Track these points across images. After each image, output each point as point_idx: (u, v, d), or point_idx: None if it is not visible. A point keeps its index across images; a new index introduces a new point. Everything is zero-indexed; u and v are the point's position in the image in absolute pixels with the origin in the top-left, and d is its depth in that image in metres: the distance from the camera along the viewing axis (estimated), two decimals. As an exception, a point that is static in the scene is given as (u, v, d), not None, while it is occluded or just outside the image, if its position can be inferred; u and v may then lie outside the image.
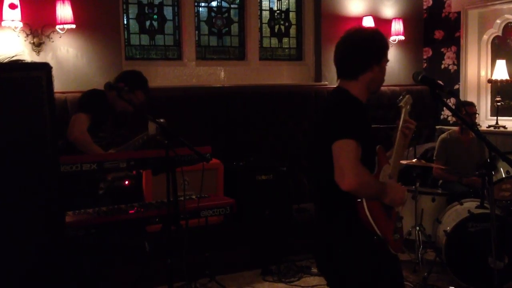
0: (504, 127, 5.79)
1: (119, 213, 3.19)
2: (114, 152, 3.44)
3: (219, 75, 5.75)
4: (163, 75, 5.44)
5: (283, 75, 6.09)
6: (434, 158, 4.98)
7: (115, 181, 3.42)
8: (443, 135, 5.03)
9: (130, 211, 3.22)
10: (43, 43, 4.67)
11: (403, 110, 2.36)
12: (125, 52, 5.29)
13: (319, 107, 2.35)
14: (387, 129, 2.44)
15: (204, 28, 5.74)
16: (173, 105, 5.07)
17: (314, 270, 4.24)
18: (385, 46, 2.26)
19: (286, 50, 6.21)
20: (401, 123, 2.34)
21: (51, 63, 2.16)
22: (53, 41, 4.70)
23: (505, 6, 5.83)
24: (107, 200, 3.34)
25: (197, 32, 5.67)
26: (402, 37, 6.18)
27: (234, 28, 5.89)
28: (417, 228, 4.29)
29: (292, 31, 6.21)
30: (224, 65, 5.79)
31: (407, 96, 2.38)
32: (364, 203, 2.09)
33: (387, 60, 2.28)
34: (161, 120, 3.14)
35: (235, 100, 5.49)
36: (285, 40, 6.19)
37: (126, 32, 5.33)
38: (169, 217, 3.13)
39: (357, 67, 2.21)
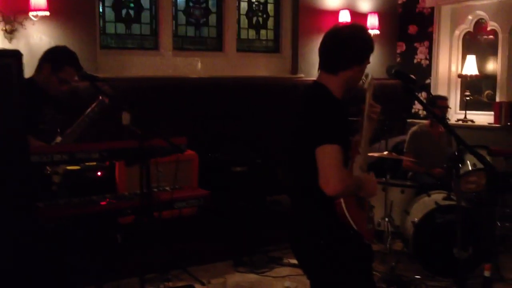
0: (472, 121, 5.93)
1: (90, 205, 3.17)
2: (61, 139, 3.25)
3: (196, 66, 5.74)
4: (139, 65, 5.42)
5: (260, 67, 6.11)
6: (404, 150, 5.07)
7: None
8: (414, 128, 5.13)
9: (102, 203, 3.20)
10: (16, 30, 4.60)
11: (368, 93, 2.32)
12: (100, 41, 5.25)
13: (296, 102, 2.34)
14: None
15: (182, 18, 5.73)
16: (149, 95, 5.06)
17: (286, 260, 4.31)
18: (371, 49, 2.27)
19: (264, 42, 6.23)
20: (366, 107, 2.31)
21: (24, 51, 2.15)
22: (26, 28, 4.64)
23: (477, 3, 5.95)
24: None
25: (174, 22, 5.65)
26: (377, 31, 6.26)
27: (212, 18, 5.89)
28: (386, 219, 4.38)
29: (270, 23, 6.24)
30: (201, 56, 5.79)
31: (369, 77, 2.32)
32: (343, 202, 2.13)
33: (369, 62, 2.29)
34: (105, 87, 3.07)
35: (212, 91, 5.50)
36: (263, 32, 6.22)
37: (101, 21, 5.28)
38: (142, 208, 3.13)
39: (339, 63, 2.22)
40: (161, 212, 3.22)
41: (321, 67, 2.28)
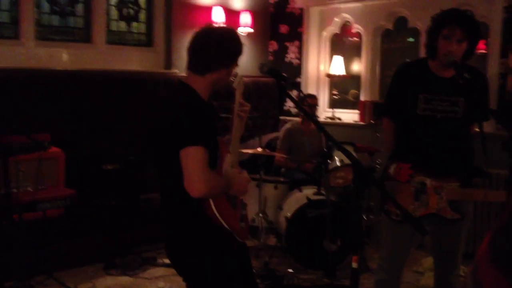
0: (339, 119, 6.27)
1: None
2: None
3: (62, 57, 5.38)
4: (-4, 55, 4.94)
5: (132, 60, 5.90)
6: (277, 147, 5.21)
7: None
8: (287, 125, 5.30)
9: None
10: None
11: (237, 92, 2.32)
12: (-51, 26, 4.70)
13: (162, 100, 2.28)
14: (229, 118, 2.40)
15: (46, 5, 5.33)
16: (8, 88, 4.63)
17: (160, 261, 4.21)
18: (239, 52, 2.25)
19: (136, 35, 6.02)
20: (236, 106, 2.32)
21: None
22: None
23: (342, 6, 6.27)
24: None
25: (37, 9, 5.23)
26: (251, 30, 6.35)
27: (79, 8, 5.55)
28: (261, 215, 4.46)
29: (142, 16, 6.04)
30: (68, 47, 5.44)
31: (238, 76, 2.32)
32: (211, 203, 2.11)
33: (237, 65, 2.28)
34: None
35: (80, 85, 5.19)
36: (135, 24, 6.00)
37: (-50, 4, 4.73)
38: (0, 211, 2.87)
39: (206, 65, 2.19)
40: (21, 214, 2.97)
41: (189, 68, 2.24)
